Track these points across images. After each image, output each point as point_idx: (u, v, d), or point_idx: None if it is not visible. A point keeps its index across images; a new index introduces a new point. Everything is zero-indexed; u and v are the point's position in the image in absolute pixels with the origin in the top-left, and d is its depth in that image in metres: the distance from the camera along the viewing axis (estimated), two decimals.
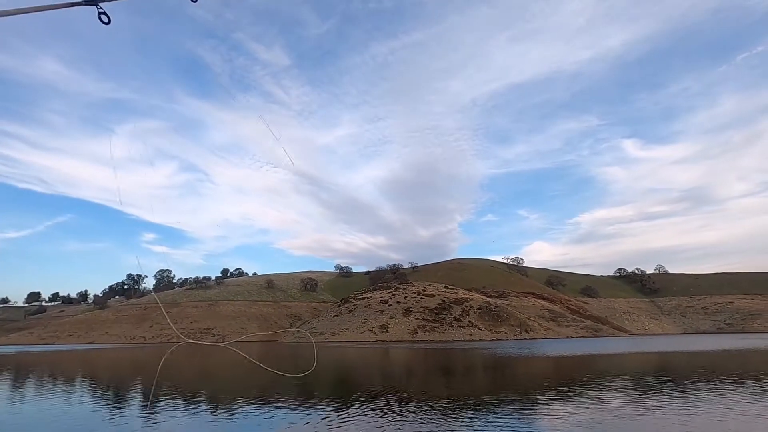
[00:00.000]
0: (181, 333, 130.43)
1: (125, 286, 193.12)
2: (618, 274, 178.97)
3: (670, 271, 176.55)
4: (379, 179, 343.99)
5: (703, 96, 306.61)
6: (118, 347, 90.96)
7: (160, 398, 19.63)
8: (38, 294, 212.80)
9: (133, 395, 22.57)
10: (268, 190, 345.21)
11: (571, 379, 25.67)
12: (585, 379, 24.55)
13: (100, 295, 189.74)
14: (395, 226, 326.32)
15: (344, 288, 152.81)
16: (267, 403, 17.95)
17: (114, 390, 24.69)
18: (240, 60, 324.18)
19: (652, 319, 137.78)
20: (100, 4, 4.33)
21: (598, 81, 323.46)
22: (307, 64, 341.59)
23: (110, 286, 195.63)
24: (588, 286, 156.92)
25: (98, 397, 21.76)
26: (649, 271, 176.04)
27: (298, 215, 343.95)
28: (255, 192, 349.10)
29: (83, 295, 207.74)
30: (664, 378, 24.73)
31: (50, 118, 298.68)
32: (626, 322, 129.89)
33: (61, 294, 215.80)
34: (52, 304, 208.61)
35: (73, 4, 4.22)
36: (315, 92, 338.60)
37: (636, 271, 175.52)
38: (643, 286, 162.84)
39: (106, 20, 4.33)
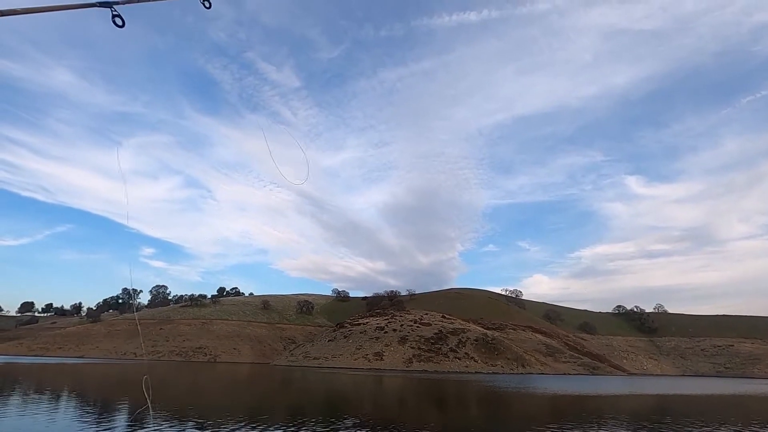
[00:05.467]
0: (172, 351, 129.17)
1: (120, 300, 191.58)
2: (617, 311, 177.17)
3: (669, 311, 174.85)
4: (382, 203, 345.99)
5: (707, 137, 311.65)
6: (108, 362, 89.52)
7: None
8: (32, 304, 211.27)
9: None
10: (269, 210, 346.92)
11: (569, 419, 25.18)
12: (583, 421, 24.08)
13: (94, 308, 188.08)
14: (395, 252, 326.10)
15: (340, 312, 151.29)
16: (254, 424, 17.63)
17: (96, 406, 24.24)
18: (250, 79, 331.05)
19: (651, 359, 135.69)
20: (115, 7, 4.43)
21: (603, 117, 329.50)
22: (316, 86, 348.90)
23: (104, 300, 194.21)
24: (586, 322, 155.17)
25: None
26: (648, 309, 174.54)
27: (298, 236, 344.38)
28: (256, 210, 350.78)
29: (77, 308, 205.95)
30: (666, 424, 24.26)
31: (58, 127, 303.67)
32: (624, 360, 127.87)
33: (54, 305, 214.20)
34: (45, 315, 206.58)
35: (87, 5, 4.31)
36: (322, 114, 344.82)
37: (635, 309, 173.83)
38: (642, 324, 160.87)
39: (120, 23, 4.44)
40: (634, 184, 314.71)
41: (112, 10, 4.29)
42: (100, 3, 4.23)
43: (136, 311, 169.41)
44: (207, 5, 6.09)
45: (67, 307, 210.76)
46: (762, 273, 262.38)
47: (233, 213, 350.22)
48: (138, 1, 4.69)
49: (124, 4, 4.40)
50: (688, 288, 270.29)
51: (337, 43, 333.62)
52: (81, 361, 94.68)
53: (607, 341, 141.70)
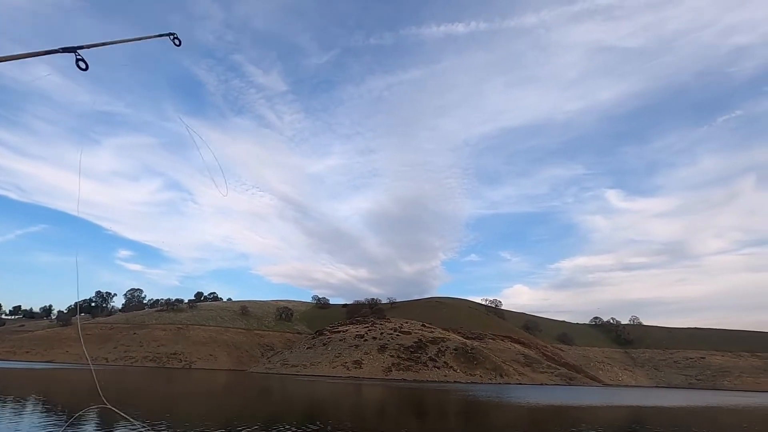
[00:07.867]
0: (146, 357, 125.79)
1: (92, 304, 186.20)
2: (593, 323, 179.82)
3: (644, 323, 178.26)
4: (366, 211, 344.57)
5: (686, 153, 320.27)
6: (77, 368, 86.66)
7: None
8: None
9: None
10: (251, 214, 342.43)
11: (548, 430, 25.26)
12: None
13: (65, 312, 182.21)
14: (378, 260, 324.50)
15: (320, 319, 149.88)
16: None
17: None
18: (235, 81, 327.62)
19: (625, 371, 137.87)
20: (79, 52, 4.44)
21: (587, 131, 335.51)
22: (303, 92, 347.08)
23: (76, 303, 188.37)
24: (564, 333, 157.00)
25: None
26: (624, 321, 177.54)
27: (280, 242, 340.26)
28: (238, 215, 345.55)
29: (47, 311, 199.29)
30: None
31: (37, 125, 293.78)
32: (600, 371, 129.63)
33: (23, 307, 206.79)
34: (13, 317, 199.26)
35: (49, 52, 4.31)
36: (308, 120, 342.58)
37: (611, 321, 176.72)
38: (618, 336, 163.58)
39: (84, 66, 4.42)
40: (614, 197, 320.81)
41: (75, 55, 4.33)
42: (63, 49, 4.29)
43: (109, 315, 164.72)
44: (177, 43, 6.00)
45: (36, 309, 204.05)
46: (735, 287, 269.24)
47: (215, 217, 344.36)
48: (102, 45, 4.67)
49: (88, 48, 4.41)
50: (664, 301, 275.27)
51: (327, 50, 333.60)
52: (48, 366, 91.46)
53: (584, 352, 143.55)
